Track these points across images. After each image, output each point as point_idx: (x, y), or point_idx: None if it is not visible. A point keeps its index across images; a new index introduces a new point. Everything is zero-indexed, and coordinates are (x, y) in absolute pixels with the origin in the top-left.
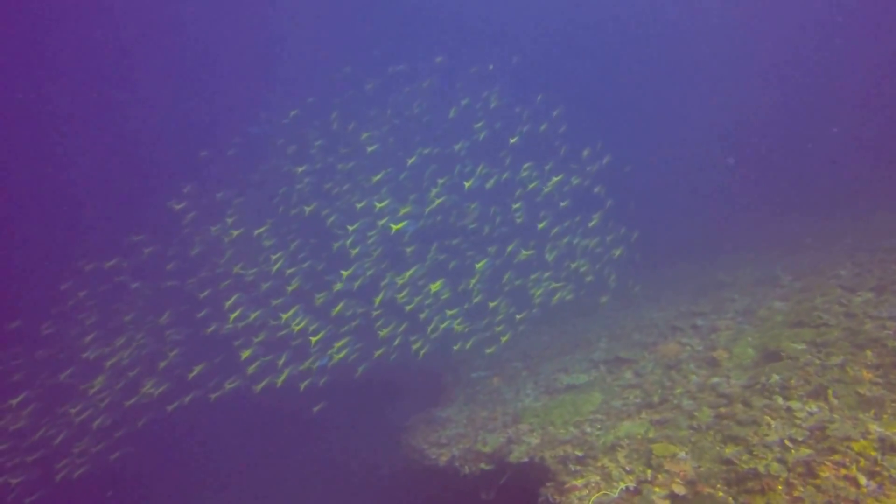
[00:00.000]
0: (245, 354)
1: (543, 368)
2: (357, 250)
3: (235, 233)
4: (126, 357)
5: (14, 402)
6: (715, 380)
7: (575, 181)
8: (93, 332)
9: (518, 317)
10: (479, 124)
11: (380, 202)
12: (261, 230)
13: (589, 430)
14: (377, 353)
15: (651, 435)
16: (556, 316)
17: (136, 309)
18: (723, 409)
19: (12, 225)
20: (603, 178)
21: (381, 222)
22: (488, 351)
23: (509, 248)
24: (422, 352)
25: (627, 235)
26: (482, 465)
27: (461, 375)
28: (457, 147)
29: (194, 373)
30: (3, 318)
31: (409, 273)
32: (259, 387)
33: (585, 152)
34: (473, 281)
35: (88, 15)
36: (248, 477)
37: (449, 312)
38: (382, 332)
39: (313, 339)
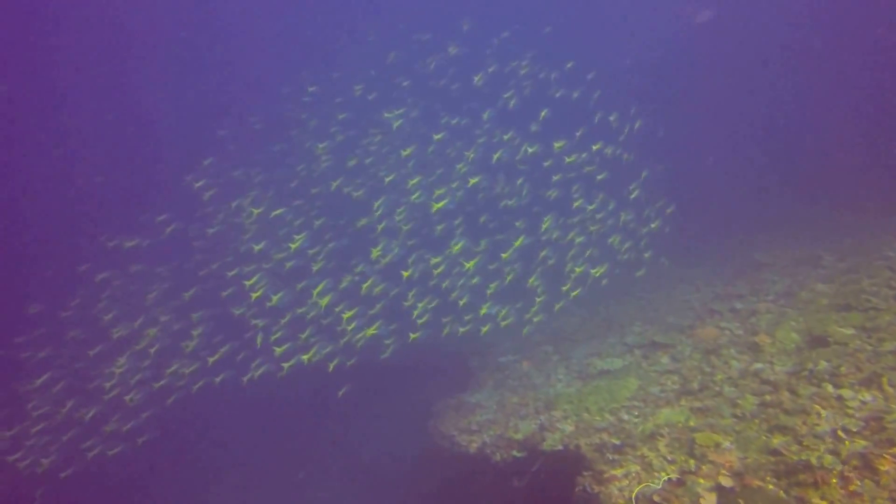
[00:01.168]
0: (260, 340)
1: (575, 352)
2: (383, 226)
3: (256, 211)
4: (149, 339)
5: (39, 381)
6: (758, 366)
7: (608, 150)
8: (116, 312)
9: (557, 306)
10: (509, 94)
11: (411, 179)
12: (277, 212)
13: (626, 417)
14: (413, 335)
15: (692, 423)
16: (586, 296)
17: (159, 290)
18: (768, 397)
19: (30, 206)
20: (637, 146)
21: (413, 198)
22: (524, 331)
23: (545, 224)
24: (448, 331)
25: (663, 208)
26: (514, 453)
27: (489, 359)
28: (484, 116)
29: (216, 357)
30: (25, 300)
31: (436, 263)
32: (286, 367)
33: (613, 117)
34: (507, 255)
35: None
36: (268, 461)
37: (489, 290)
38: (421, 320)
39: (346, 316)
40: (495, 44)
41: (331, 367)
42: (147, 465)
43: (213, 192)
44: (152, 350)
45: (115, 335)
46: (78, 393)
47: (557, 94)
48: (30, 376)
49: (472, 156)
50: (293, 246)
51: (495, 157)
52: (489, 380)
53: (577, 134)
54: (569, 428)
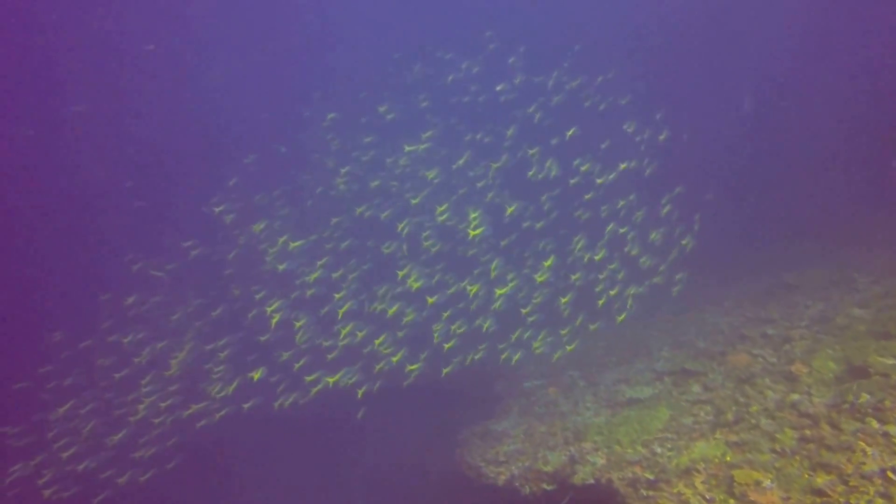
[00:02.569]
0: (259, 375)
1: (602, 378)
2: (395, 248)
3: (282, 240)
4: (177, 363)
5: (63, 409)
6: (795, 397)
7: (632, 164)
8: (142, 335)
9: (592, 327)
10: (532, 108)
11: (440, 206)
12: (296, 244)
13: (659, 450)
14: (445, 370)
15: (729, 458)
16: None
17: (184, 313)
18: (808, 432)
19: (54, 229)
20: (659, 154)
21: (440, 219)
22: (556, 356)
23: (578, 245)
24: (478, 357)
25: (693, 224)
26: (544, 486)
27: (514, 383)
28: (508, 133)
29: (224, 390)
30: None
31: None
32: (313, 392)
33: (630, 127)
34: (542, 278)
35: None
36: (290, 485)
37: (525, 311)
38: (448, 344)
39: (377, 342)
40: (520, 52)
41: (360, 393)
42: (176, 490)
43: (233, 216)
44: (179, 374)
45: (143, 359)
46: (105, 418)
47: (587, 104)
48: (55, 404)
49: (496, 167)
50: (312, 277)
51: (531, 173)
52: (515, 406)
53: (603, 146)
54: (600, 461)
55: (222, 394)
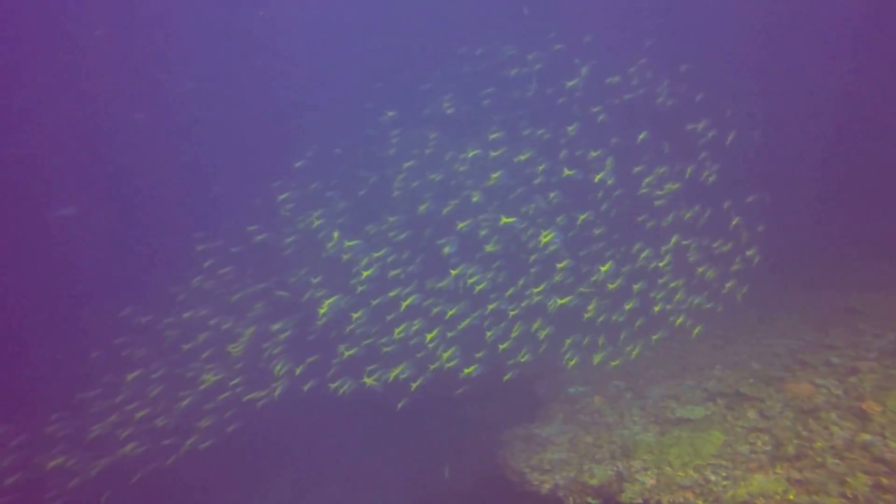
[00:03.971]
0: (347, 353)
1: (649, 392)
2: (448, 249)
3: (342, 242)
4: (243, 341)
5: (131, 376)
6: (866, 437)
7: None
8: (206, 313)
9: (654, 337)
10: (597, 108)
11: (507, 217)
12: (351, 243)
13: (713, 477)
14: (506, 376)
15: (792, 497)
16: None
17: (244, 295)
18: (884, 480)
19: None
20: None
21: (504, 221)
22: (613, 364)
23: (644, 255)
24: (526, 359)
25: (757, 234)
26: (588, 500)
27: (557, 388)
28: (570, 129)
29: (300, 368)
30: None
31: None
32: (368, 382)
33: (700, 125)
34: (614, 286)
35: None
36: (328, 468)
37: (586, 316)
38: (503, 346)
39: (429, 336)
40: (585, 42)
41: (413, 386)
42: (229, 463)
43: (294, 205)
44: (242, 352)
45: (206, 337)
46: (173, 386)
47: (662, 102)
48: (124, 371)
49: (566, 173)
50: (365, 274)
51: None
52: (559, 412)
53: (665, 149)
54: (649, 481)
55: (283, 370)
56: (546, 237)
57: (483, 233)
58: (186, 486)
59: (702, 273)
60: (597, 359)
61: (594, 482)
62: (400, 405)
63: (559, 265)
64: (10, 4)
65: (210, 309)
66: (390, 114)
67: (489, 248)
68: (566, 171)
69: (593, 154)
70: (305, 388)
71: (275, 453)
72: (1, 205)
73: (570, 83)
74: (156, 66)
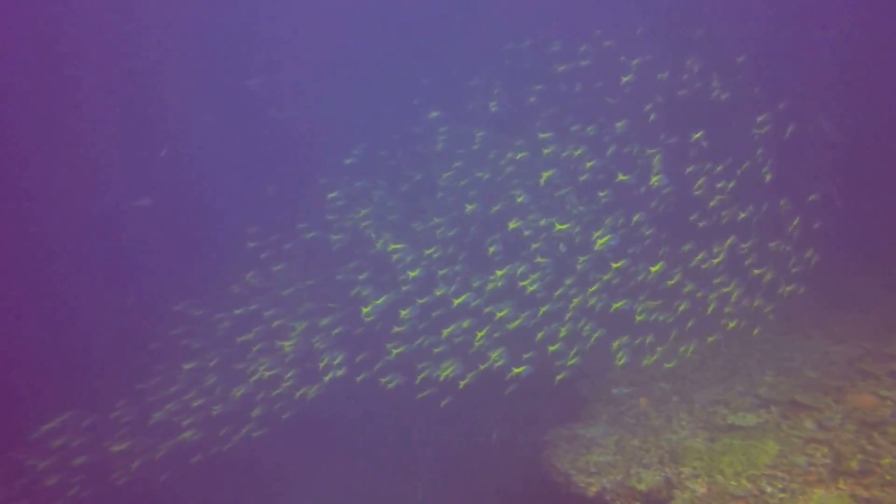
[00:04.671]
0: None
1: (697, 396)
2: (494, 248)
3: (389, 242)
4: (296, 334)
5: (188, 366)
6: None
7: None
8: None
9: (710, 339)
10: (649, 106)
11: (561, 224)
12: (397, 247)
13: (769, 489)
14: (559, 376)
15: None
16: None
17: (296, 289)
18: None
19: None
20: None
21: (559, 227)
22: (667, 366)
23: (698, 257)
24: (574, 362)
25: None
26: None
27: (600, 388)
28: (618, 126)
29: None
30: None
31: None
32: (419, 377)
33: (761, 119)
34: (673, 282)
35: None
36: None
37: (639, 319)
38: (553, 347)
39: (479, 334)
40: (636, 34)
41: (462, 384)
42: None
43: (344, 202)
44: (295, 345)
45: (254, 335)
46: (228, 377)
47: (723, 98)
48: (183, 362)
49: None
50: (412, 274)
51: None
52: (603, 413)
53: (717, 146)
54: (700, 489)
55: (337, 360)
56: (602, 240)
57: (527, 233)
58: (242, 470)
59: (757, 274)
60: (650, 360)
61: (642, 487)
62: (444, 403)
63: (614, 265)
64: (87, 10)
65: (263, 303)
66: (434, 114)
67: (538, 251)
68: (620, 176)
69: (647, 152)
70: (359, 378)
71: (320, 443)
72: (65, 200)
73: (625, 78)
74: (225, 69)
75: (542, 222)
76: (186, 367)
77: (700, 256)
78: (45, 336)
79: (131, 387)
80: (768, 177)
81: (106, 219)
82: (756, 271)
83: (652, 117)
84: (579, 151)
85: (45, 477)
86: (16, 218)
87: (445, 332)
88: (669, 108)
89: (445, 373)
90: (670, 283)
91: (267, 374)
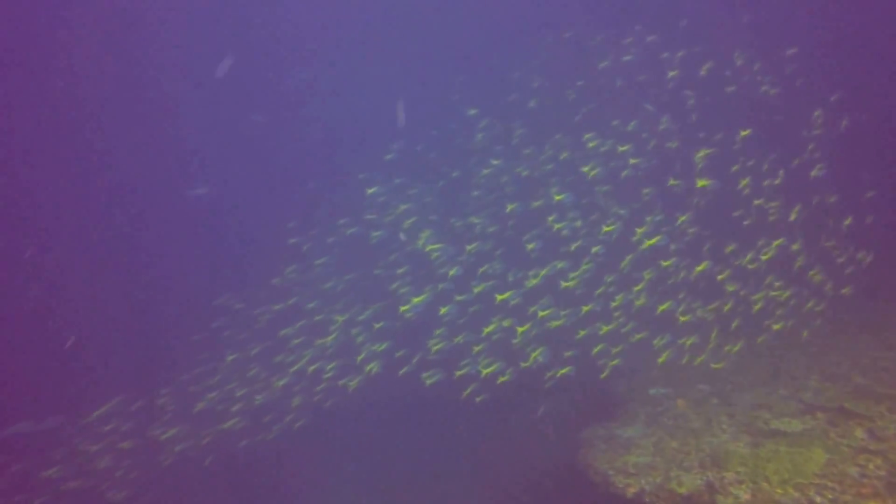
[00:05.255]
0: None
1: (738, 399)
2: (531, 246)
3: (428, 241)
4: (337, 326)
5: (230, 358)
6: None
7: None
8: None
9: (759, 340)
10: (691, 101)
11: (609, 225)
12: (435, 248)
13: (818, 499)
14: (603, 374)
15: None
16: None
17: (338, 284)
18: None
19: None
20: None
21: (605, 229)
22: (715, 366)
23: (747, 257)
24: (616, 363)
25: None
26: None
27: (635, 388)
28: (662, 122)
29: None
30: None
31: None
32: (458, 374)
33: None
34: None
35: None
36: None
37: (683, 319)
38: (597, 349)
39: (520, 330)
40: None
41: (500, 380)
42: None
43: (385, 198)
44: (337, 338)
45: (303, 323)
46: (267, 369)
47: (773, 92)
48: (226, 353)
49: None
50: (451, 273)
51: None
52: (640, 413)
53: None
54: (744, 495)
55: (379, 347)
56: (651, 240)
57: (564, 233)
58: (285, 458)
59: (810, 276)
60: (698, 360)
61: (683, 490)
62: (479, 399)
63: (664, 263)
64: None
65: (303, 297)
66: (472, 111)
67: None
68: (701, 182)
69: (699, 154)
70: (402, 372)
71: (358, 437)
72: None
73: (671, 73)
74: (275, 68)
75: (578, 223)
76: (229, 358)
77: (749, 256)
78: (102, 330)
79: (175, 376)
80: (818, 172)
81: (153, 215)
82: (815, 275)
83: (694, 117)
84: (625, 148)
85: (97, 458)
86: (79, 213)
87: (486, 329)
88: (715, 104)
89: (488, 370)
90: (720, 278)
91: (310, 368)
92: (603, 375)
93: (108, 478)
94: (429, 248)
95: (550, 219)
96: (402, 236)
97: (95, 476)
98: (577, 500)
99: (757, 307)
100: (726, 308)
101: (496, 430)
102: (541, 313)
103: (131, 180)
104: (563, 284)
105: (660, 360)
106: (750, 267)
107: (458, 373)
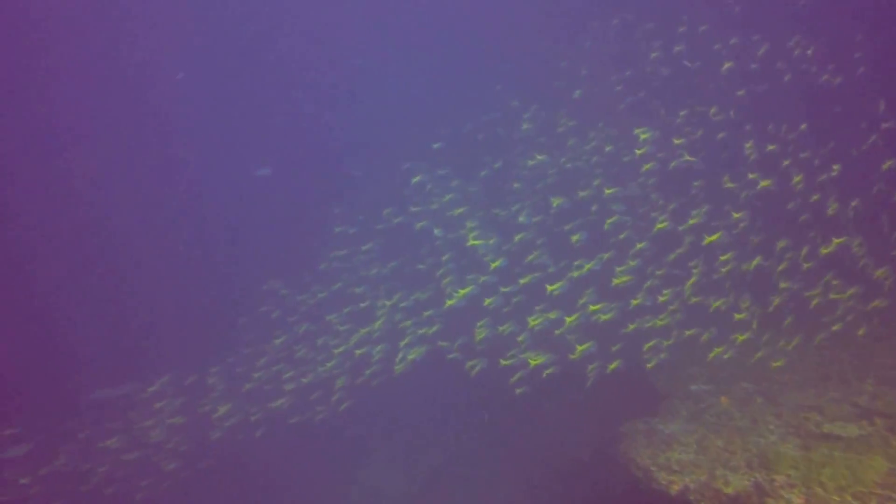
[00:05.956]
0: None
1: (785, 400)
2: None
3: (472, 234)
4: (384, 313)
5: (279, 341)
6: None
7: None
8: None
9: (818, 339)
10: (741, 92)
11: (661, 223)
12: (478, 242)
13: None
14: (649, 364)
15: None
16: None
17: (379, 274)
18: None
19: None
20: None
21: (659, 226)
22: (775, 364)
23: (803, 252)
24: (656, 362)
25: None
26: None
27: (675, 383)
28: (711, 112)
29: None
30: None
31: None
32: (504, 362)
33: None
34: (785, 283)
35: None
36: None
37: (739, 317)
38: (648, 345)
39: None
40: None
41: (546, 373)
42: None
43: (430, 188)
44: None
45: (338, 317)
46: (313, 352)
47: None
48: (272, 337)
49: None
50: (494, 265)
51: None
52: (682, 409)
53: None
54: (796, 500)
55: (423, 332)
56: (712, 237)
57: (606, 227)
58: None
59: (874, 275)
60: (756, 356)
61: (729, 490)
62: (519, 391)
63: (722, 257)
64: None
65: (347, 283)
66: (515, 102)
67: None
68: (762, 182)
69: (748, 147)
70: (449, 357)
71: (392, 424)
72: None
73: (726, 65)
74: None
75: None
76: (277, 341)
77: (804, 251)
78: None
79: (223, 358)
80: (888, 165)
81: (208, 202)
82: (879, 273)
83: (733, 113)
84: (679, 140)
85: (150, 432)
86: (144, 203)
87: (532, 321)
88: (771, 95)
89: (536, 361)
90: (781, 272)
91: (358, 352)
92: (650, 365)
93: (161, 450)
94: (471, 242)
95: (609, 222)
96: (436, 232)
97: (150, 448)
98: (619, 494)
99: (814, 303)
100: (774, 303)
101: (535, 420)
102: (591, 307)
103: (190, 171)
104: (615, 281)
105: (710, 355)
106: (805, 266)
107: (504, 362)
